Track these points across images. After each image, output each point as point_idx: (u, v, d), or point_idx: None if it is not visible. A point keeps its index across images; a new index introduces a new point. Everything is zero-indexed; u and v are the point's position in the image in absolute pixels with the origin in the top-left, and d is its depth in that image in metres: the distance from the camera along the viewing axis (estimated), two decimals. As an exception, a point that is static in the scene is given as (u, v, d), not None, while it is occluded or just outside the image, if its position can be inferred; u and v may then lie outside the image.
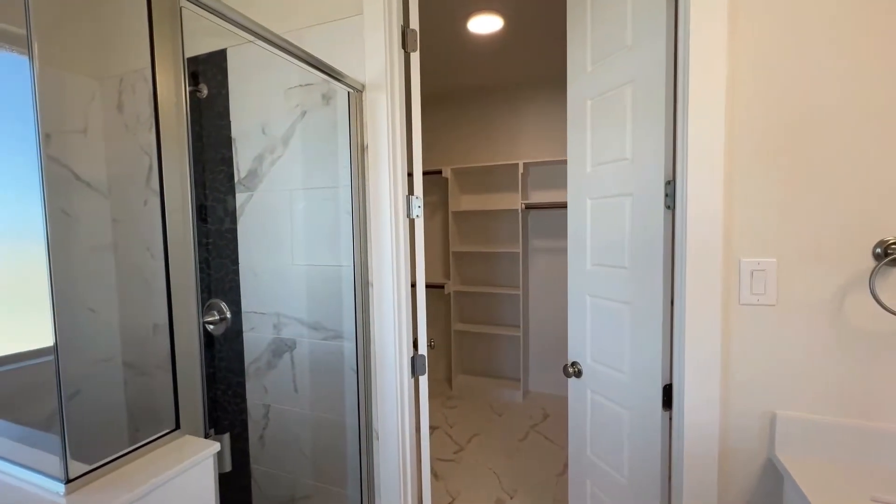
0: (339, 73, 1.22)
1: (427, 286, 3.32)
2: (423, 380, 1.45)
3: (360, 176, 1.31)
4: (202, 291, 1.68)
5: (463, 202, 3.47)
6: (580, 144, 1.37)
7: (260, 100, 1.48)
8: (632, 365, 1.21)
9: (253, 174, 1.51)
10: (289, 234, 1.47)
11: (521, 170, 3.03)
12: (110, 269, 1.88)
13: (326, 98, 1.36)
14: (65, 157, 1.73)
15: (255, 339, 1.56)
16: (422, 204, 1.39)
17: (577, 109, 1.38)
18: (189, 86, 1.62)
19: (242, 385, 1.60)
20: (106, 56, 1.80)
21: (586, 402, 1.42)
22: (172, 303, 0.79)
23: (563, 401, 3.15)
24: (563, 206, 3.02)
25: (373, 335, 1.35)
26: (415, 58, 1.37)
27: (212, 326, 1.62)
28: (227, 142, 1.55)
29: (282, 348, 1.52)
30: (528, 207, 3.11)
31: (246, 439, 1.62)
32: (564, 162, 3.03)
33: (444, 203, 3.47)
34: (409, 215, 1.38)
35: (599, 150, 1.30)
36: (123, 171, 1.82)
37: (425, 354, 1.45)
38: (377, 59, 1.28)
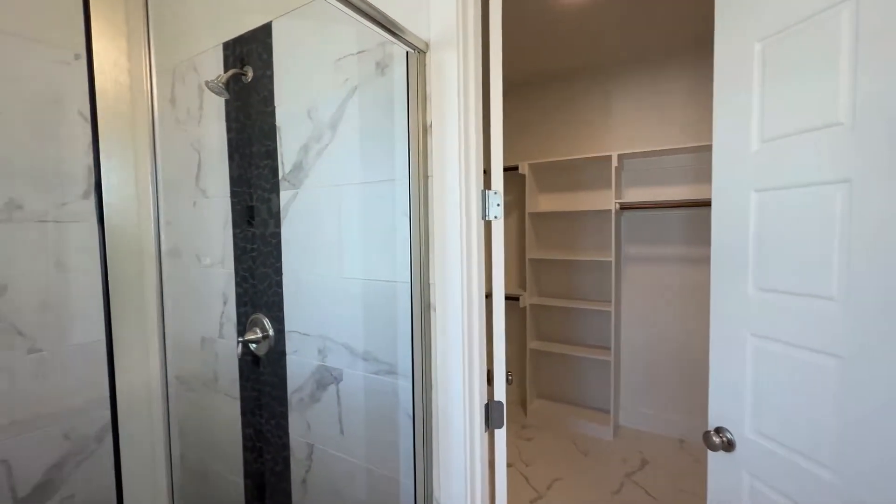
0: (398, 27, 0.91)
1: (500, 297, 2.95)
2: (501, 434, 1.09)
3: (420, 165, 0.99)
4: (244, 304, 1.49)
5: (542, 202, 3.05)
6: (737, 110, 0.93)
7: (306, 77, 1.23)
8: (844, 456, 0.75)
9: (298, 168, 1.27)
10: (336, 240, 1.20)
11: (614, 163, 2.55)
12: (164, 274, 1.76)
13: (381, 67, 1.07)
14: (120, 157, 1.62)
15: (299, 363, 1.32)
16: (502, 202, 1.04)
17: (732, 58, 0.94)
18: (233, 68, 1.44)
19: (285, 416, 1.37)
20: (162, 49, 1.68)
21: (741, 489, 0.96)
22: (113, 337, 0.51)
23: (664, 443, 2.59)
24: (669, 205, 2.48)
25: (435, 375, 1.03)
26: (495, 6, 1.02)
27: (254, 345, 1.41)
28: (271, 131, 1.32)
29: (327, 379, 1.25)
30: (624, 208, 2.61)
31: (288, 480, 1.38)
32: (668, 152, 2.49)
33: (520, 203, 3.08)
34: (484, 216, 1.03)
35: (779, 116, 0.85)
36: (176, 169, 1.69)
37: (503, 400, 1.09)
38: (446, 6, 0.95)
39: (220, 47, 1.44)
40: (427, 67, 0.98)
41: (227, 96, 1.33)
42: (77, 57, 1.51)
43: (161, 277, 0.54)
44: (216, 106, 1.48)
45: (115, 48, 0.47)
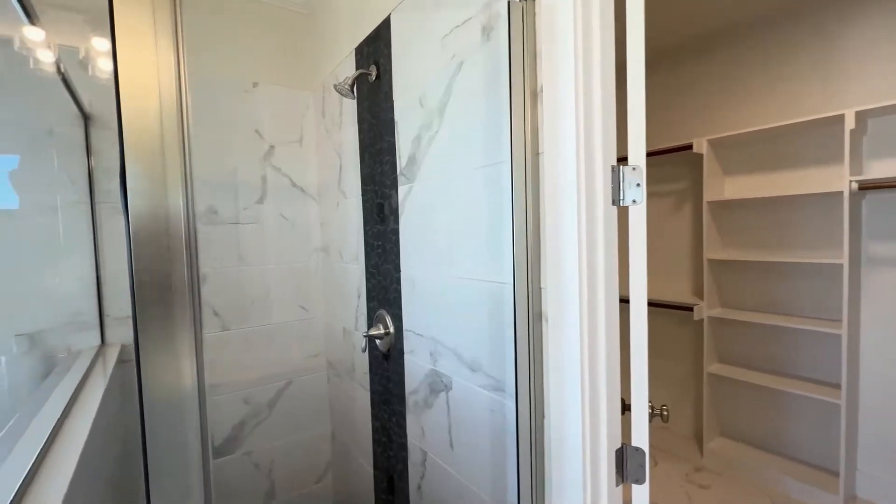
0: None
1: (664, 306, 2.44)
2: (643, 491, 0.81)
3: (528, 139, 0.80)
4: (372, 299, 1.52)
5: (728, 187, 2.39)
6: None
7: (418, 64, 1.17)
8: None
9: (412, 161, 1.22)
10: (445, 235, 1.10)
11: (849, 125, 1.80)
12: (318, 270, 1.97)
13: (487, 31, 0.91)
14: (285, 166, 1.87)
15: (414, 364, 1.27)
16: (642, 181, 0.77)
17: None
18: (361, 69, 1.48)
19: (403, 416, 1.34)
20: (316, 66, 1.88)
21: None
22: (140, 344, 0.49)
23: (944, 540, 1.71)
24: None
25: (547, 403, 0.82)
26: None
27: (379, 341, 1.43)
28: (390, 126, 1.31)
29: (438, 385, 1.16)
30: (866, 188, 1.83)
31: (407, 481, 1.35)
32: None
33: (696, 190, 2.49)
34: (617, 202, 0.78)
35: None
36: (325, 174, 1.87)
37: (645, 446, 0.81)
38: (558, -67, 0.74)
39: (353, 52, 1.51)
40: (536, 17, 0.79)
41: (353, 97, 1.37)
42: (255, 85, 1.81)
43: (194, 278, 0.50)
44: (351, 110, 1.56)
45: (146, 54, 0.44)
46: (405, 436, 1.34)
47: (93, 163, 1.46)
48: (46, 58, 1.15)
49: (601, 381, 0.79)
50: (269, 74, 1.81)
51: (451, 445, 1.12)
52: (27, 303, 1.36)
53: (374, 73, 1.38)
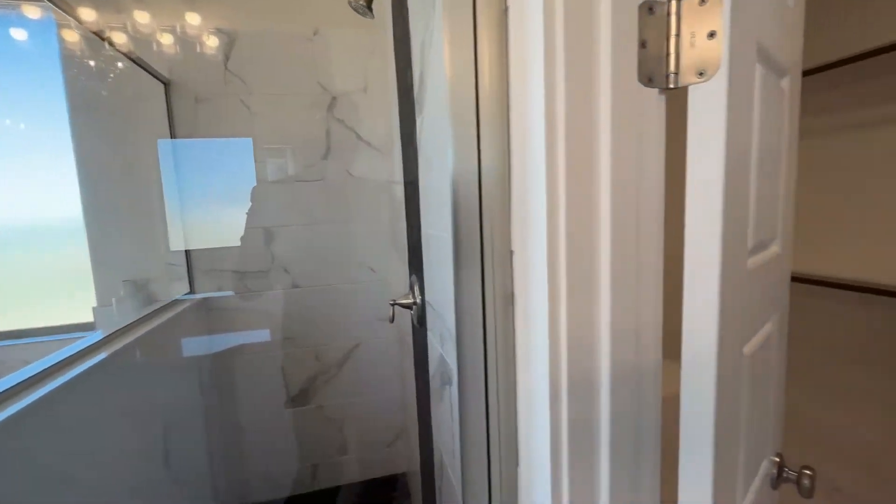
0: None
1: (871, 290, 1.55)
2: None
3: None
4: (411, 264, 1.30)
5: None
6: None
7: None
8: None
9: (422, 82, 0.92)
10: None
11: None
12: (385, 230, 1.84)
13: None
14: (348, 119, 1.75)
15: (431, 345, 1.02)
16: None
17: None
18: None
19: (429, 404, 1.12)
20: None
21: None
22: None
23: None
24: None
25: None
26: None
27: (410, 311, 1.22)
28: (407, 41, 1.03)
29: (445, 375, 0.90)
30: None
31: (433, 477, 1.14)
32: None
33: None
34: (659, 77, 0.37)
35: None
36: (390, 123, 1.68)
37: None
38: None
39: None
40: None
41: (371, 16, 1.11)
42: (315, 33, 1.70)
43: None
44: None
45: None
46: (431, 427, 1.12)
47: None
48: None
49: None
50: (331, 18, 1.68)
51: (455, 456, 0.85)
52: (132, 255, 1.58)
53: None
